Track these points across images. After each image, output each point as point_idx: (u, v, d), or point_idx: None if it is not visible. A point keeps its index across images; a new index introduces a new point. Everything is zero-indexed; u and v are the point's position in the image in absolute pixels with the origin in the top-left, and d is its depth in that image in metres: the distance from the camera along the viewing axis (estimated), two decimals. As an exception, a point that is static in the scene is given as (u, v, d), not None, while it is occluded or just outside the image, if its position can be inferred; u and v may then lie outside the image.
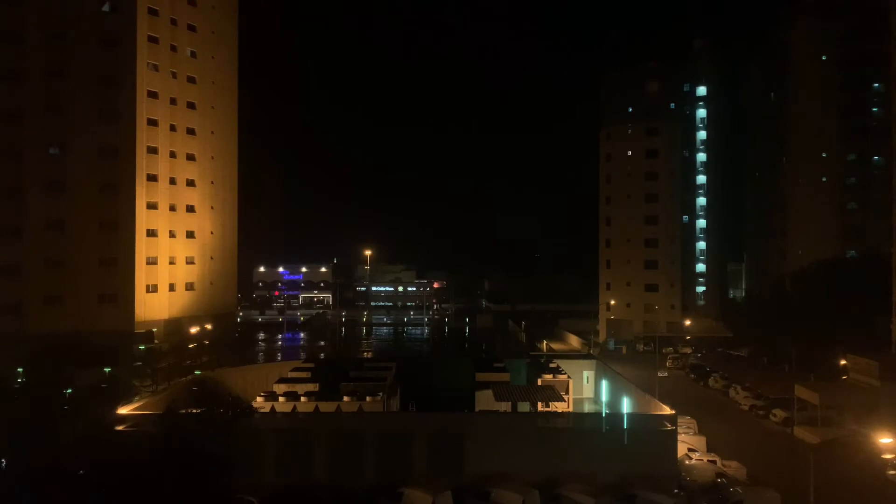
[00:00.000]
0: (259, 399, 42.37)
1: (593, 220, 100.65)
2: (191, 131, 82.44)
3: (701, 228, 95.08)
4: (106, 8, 73.11)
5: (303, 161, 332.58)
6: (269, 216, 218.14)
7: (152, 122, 76.96)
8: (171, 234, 79.69)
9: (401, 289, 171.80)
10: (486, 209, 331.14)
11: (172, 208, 79.82)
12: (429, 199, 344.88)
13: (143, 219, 75.65)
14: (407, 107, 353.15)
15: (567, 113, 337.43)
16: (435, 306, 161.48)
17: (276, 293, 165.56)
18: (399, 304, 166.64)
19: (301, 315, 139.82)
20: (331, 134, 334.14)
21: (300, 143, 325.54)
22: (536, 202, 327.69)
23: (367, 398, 41.86)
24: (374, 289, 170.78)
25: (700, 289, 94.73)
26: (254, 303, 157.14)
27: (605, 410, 39.03)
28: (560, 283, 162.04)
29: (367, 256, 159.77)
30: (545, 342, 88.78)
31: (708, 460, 37.78)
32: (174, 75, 79.90)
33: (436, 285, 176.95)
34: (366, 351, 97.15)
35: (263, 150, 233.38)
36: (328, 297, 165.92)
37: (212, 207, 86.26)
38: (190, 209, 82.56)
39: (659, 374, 55.12)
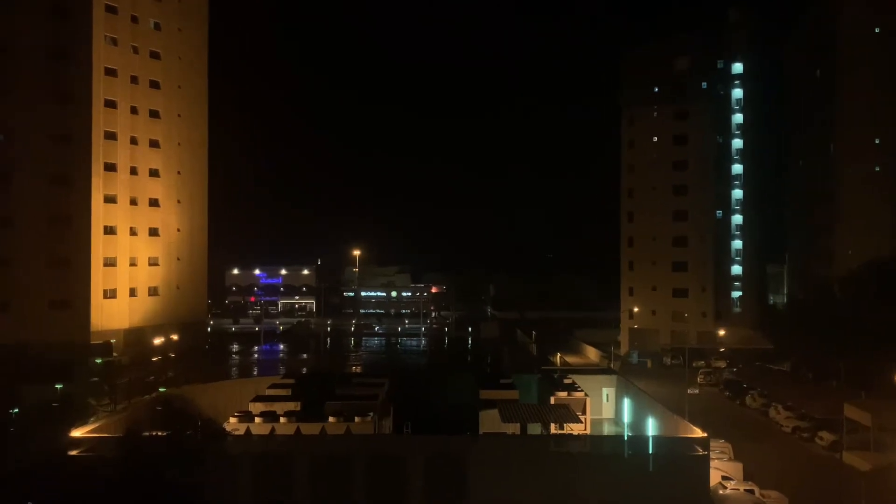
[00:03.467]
0: (232, 420, 42.43)
1: (614, 217, 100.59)
2: (154, 114, 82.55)
3: (737, 225, 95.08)
4: (57, -27, 73.25)
5: (283, 149, 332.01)
6: (245, 211, 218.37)
7: (110, 104, 77.04)
8: (132, 232, 79.77)
9: (394, 294, 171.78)
10: (491, 205, 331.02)
11: (133, 202, 79.90)
12: (426, 193, 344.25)
13: (100, 214, 75.69)
14: (402, 89, 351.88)
15: (584, 95, 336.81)
16: (433, 314, 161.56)
17: (252, 299, 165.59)
18: (392, 311, 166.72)
19: (280, 324, 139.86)
20: (316, 120, 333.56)
21: (281, 129, 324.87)
22: (549, 197, 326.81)
23: (356, 419, 41.91)
24: (363, 294, 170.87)
25: (736, 294, 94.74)
26: (226, 310, 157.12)
27: (627, 433, 39.05)
28: (576, 287, 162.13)
29: (355, 257, 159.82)
30: (559, 355, 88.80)
31: (745, 489, 37.84)
32: (135, 50, 79.99)
33: (434, 290, 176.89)
34: (354, 365, 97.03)
35: (238, 137, 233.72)
36: (311, 303, 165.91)
37: (178, 201, 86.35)
38: (153, 203, 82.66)
39: (689, 391, 55.11)
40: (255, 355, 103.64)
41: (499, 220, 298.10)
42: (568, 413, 43.89)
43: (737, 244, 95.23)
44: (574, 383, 52.22)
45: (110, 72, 76.92)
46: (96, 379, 60.74)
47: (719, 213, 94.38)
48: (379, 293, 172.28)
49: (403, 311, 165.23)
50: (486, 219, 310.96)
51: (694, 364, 78.33)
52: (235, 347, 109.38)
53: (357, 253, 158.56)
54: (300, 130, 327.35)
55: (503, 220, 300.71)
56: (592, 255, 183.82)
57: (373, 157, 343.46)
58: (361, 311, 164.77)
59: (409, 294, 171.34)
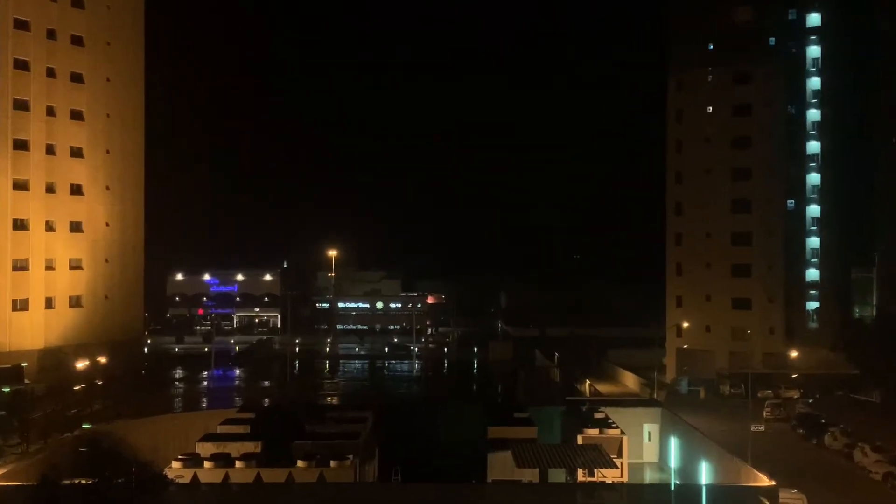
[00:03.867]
0: (176, 464, 42.48)
1: (657, 209, 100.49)
2: (77, 78, 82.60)
3: (813, 218, 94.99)
4: None
5: (242, 124, 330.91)
6: (192, 202, 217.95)
7: (21, 65, 77.06)
8: (49, 227, 79.79)
9: (379, 305, 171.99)
10: (501, 197, 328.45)
11: (50, 189, 79.91)
12: (421, 182, 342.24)
13: (8, 204, 75.74)
14: (390, 56, 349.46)
15: (620, 56, 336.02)
16: (429, 330, 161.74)
17: (201, 312, 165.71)
18: (378, 326, 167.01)
19: (236, 343, 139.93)
20: (286, 93, 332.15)
21: (239, 99, 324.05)
22: (575, 183, 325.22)
23: (332, 463, 41.96)
24: (341, 305, 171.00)
25: (812, 305, 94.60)
26: (168, 325, 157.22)
27: (674, 480, 39.07)
28: (609, 297, 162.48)
29: (331, 259, 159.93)
30: (588, 382, 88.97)
31: (823, 552, 37.85)
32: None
33: (430, 300, 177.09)
34: (329, 395, 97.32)
35: (184, 108, 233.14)
36: (275, 317, 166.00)
37: (107, 188, 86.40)
38: (76, 190, 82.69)
39: (752, 427, 55.07)
40: (205, 382, 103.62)
41: (511, 215, 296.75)
42: (599, 455, 43.92)
43: (813, 242, 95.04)
44: (608, 418, 52.27)
45: (20, 24, 76.92)
46: (3, 413, 60.71)
47: (791, 202, 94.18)
48: (361, 304, 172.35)
49: (392, 328, 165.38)
50: (494, 214, 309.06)
51: (759, 394, 78.07)
52: (179, 373, 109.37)
53: (333, 254, 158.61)
54: (265, 105, 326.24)
55: (516, 215, 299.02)
56: (630, 256, 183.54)
57: (355, 139, 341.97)
58: (339, 326, 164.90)
59: (399, 305, 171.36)
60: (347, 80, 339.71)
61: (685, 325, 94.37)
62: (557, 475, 41.75)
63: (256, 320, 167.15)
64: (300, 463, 41.99)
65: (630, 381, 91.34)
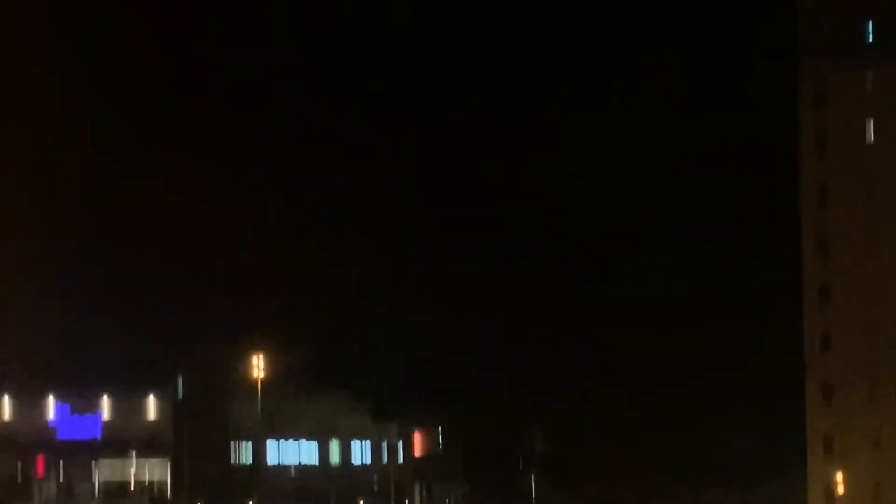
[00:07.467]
0: None
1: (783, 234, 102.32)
2: None
3: None
4: None
5: (104, 142, 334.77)
6: (28, 278, 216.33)
7: None
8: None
9: (335, 458, 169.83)
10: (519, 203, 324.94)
11: None
12: (407, 220, 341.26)
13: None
14: None
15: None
16: (420, 494, 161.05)
17: (41, 464, 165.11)
18: (332, 494, 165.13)
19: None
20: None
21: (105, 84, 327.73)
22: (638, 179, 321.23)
23: None
24: (272, 462, 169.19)
25: None
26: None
27: None
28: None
29: (255, 370, 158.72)
30: None
31: None
32: None
33: (417, 439, 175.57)
34: None
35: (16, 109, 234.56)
36: (163, 473, 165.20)
37: None
38: None
39: None
40: None
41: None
42: None
43: None
44: None
45: None
46: None
47: None
48: (308, 463, 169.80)
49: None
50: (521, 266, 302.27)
51: None
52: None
53: (258, 361, 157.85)
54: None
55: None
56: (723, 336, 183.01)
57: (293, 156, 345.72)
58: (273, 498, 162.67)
59: (370, 459, 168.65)
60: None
61: (839, 481, 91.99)
62: None
63: (133, 480, 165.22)
64: None
65: None
